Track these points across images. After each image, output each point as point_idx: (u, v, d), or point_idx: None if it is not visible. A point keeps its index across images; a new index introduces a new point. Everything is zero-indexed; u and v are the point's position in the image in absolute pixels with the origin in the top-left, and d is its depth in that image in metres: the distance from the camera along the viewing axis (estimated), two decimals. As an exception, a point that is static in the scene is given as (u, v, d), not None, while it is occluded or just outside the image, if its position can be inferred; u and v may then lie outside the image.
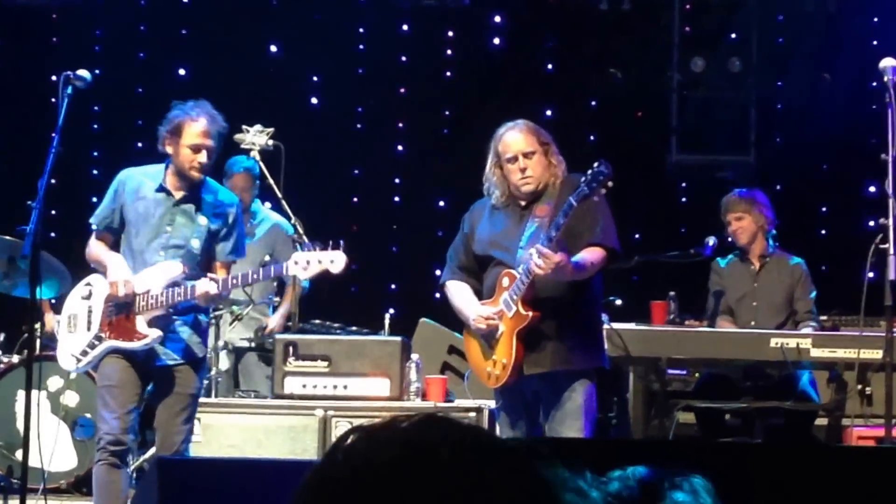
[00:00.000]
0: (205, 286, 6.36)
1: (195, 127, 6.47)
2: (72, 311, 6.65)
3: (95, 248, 6.62)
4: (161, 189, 6.56)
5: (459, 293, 6.42)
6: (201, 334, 6.69)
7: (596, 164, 5.99)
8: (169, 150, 6.51)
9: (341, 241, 6.55)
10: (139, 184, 6.59)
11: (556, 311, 6.14)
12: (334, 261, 6.51)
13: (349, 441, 1.43)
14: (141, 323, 6.45)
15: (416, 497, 1.36)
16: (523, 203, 6.30)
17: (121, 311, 6.49)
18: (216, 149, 6.57)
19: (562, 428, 6.13)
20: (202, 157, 6.47)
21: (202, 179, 6.56)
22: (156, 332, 6.44)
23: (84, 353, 6.54)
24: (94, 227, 6.65)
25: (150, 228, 6.52)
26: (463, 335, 6.59)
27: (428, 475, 1.37)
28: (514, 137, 6.25)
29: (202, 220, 6.55)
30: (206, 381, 7.92)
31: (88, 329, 6.56)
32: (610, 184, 5.97)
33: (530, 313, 6.10)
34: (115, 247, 6.61)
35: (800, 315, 8.35)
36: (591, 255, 6.12)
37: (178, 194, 6.56)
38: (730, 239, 8.56)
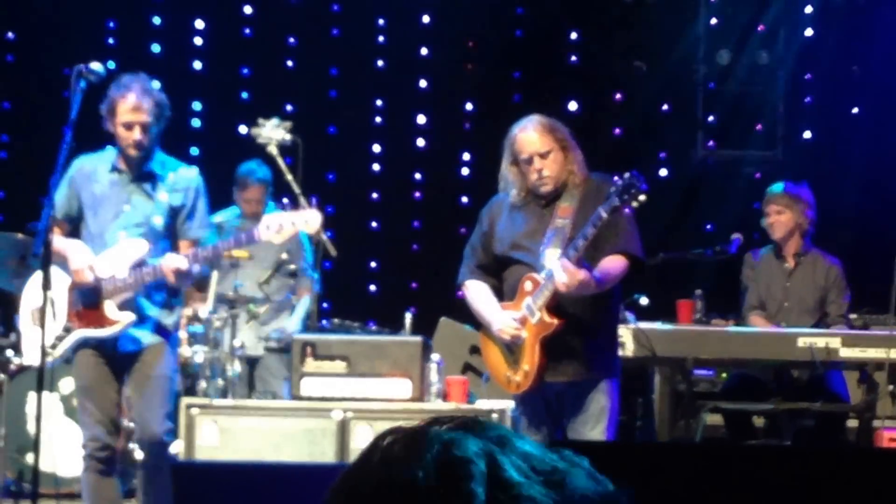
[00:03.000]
0: (174, 261, 6.20)
1: (125, 104, 6.30)
2: (33, 305, 6.38)
3: (54, 240, 6.30)
4: (115, 169, 6.39)
5: (479, 295, 6.30)
6: (172, 312, 6.53)
7: (628, 175, 5.85)
8: (110, 129, 6.36)
9: (313, 198, 6.42)
10: (93, 168, 6.42)
11: (580, 319, 6.06)
12: (308, 221, 6.35)
13: (386, 443, 1.41)
14: (111, 308, 6.27)
15: None
16: (544, 201, 6.18)
17: (87, 298, 6.32)
18: (155, 123, 6.35)
19: (584, 430, 6.08)
20: (136, 133, 6.30)
21: (155, 155, 6.39)
22: (129, 316, 6.27)
23: (53, 347, 6.31)
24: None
25: (107, 209, 6.35)
26: (480, 337, 6.49)
27: (462, 484, 1.34)
28: (528, 138, 6.10)
29: (162, 196, 6.37)
30: (222, 384, 7.81)
31: (54, 319, 6.27)
32: (642, 198, 5.84)
33: (555, 321, 6.00)
34: (71, 236, 6.41)
35: (831, 318, 8.22)
36: (612, 265, 6.01)
37: (134, 173, 6.39)
38: (764, 230, 8.39)
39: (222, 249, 6.50)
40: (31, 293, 6.45)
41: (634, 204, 5.83)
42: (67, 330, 6.32)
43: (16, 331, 8.39)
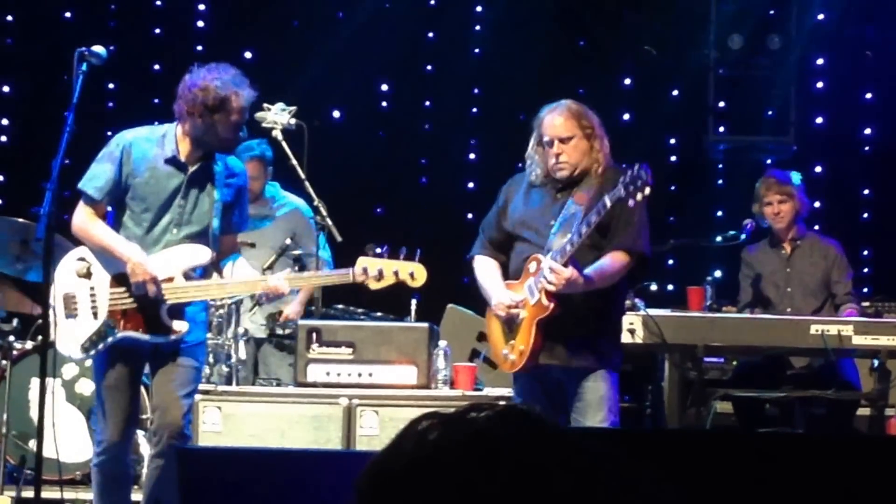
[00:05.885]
0: (279, 285, 6.07)
1: (241, 101, 5.99)
2: (68, 291, 6.08)
3: (98, 229, 6.06)
4: (172, 160, 6.08)
5: (486, 271, 6.34)
6: (207, 312, 6.45)
7: (637, 167, 5.85)
8: (199, 121, 5.98)
9: (419, 250, 6.21)
10: (145, 151, 6.07)
11: (579, 306, 6.05)
12: (414, 274, 6.19)
13: (420, 428, 1.41)
14: (164, 315, 6.00)
15: (477, 496, 1.34)
16: (560, 185, 6.19)
17: (140, 300, 6.02)
18: None
19: (584, 419, 6.11)
20: (244, 133, 6.10)
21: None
22: (184, 326, 6.02)
23: (93, 343, 6.05)
24: (89, 195, 6.07)
25: (161, 203, 6.05)
26: (487, 313, 6.48)
27: (495, 474, 1.34)
28: (552, 121, 6.13)
29: (216, 194, 6.09)
30: (226, 370, 7.75)
31: (95, 317, 6.05)
32: (647, 191, 5.83)
33: (551, 305, 6.01)
34: (104, 218, 6.12)
35: (839, 298, 8.23)
36: (609, 264, 6.04)
37: (192, 167, 6.09)
38: (766, 223, 8.34)
39: (318, 282, 6.42)
40: (65, 278, 6.08)
41: (639, 197, 5.82)
42: (110, 328, 6.02)
43: (18, 316, 8.37)
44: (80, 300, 6.08)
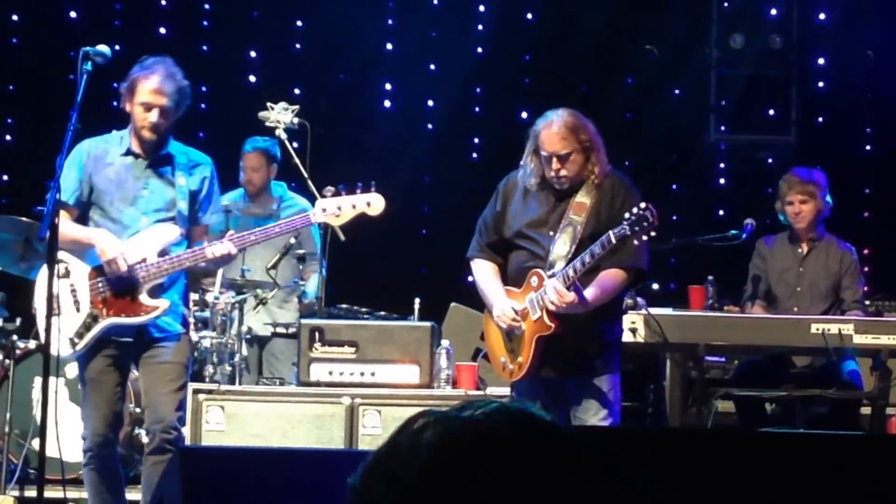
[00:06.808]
0: (224, 248, 6.14)
1: (147, 84, 6.22)
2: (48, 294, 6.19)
3: (65, 226, 6.11)
4: (129, 153, 6.30)
5: (486, 276, 6.32)
6: (187, 303, 6.54)
7: (643, 207, 5.83)
8: (127, 109, 6.29)
9: (373, 182, 6.34)
10: (103, 151, 6.32)
11: (580, 324, 6.07)
12: (371, 203, 6.31)
13: (416, 426, 1.40)
14: (144, 295, 6.16)
15: (473, 494, 1.33)
16: (559, 194, 6.19)
17: (118, 285, 6.19)
18: (174, 109, 6.27)
19: (586, 417, 6.12)
20: (153, 115, 6.20)
21: (168, 140, 6.32)
22: (164, 303, 6.18)
23: (80, 336, 6.19)
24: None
25: (124, 194, 6.25)
26: (484, 315, 6.49)
27: (488, 474, 1.34)
28: (550, 138, 6.09)
29: (181, 180, 6.30)
30: (229, 369, 7.76)
31: (78, 310, 6.19)
32: (653, 234, 5.83)
33: (553, 325, 6.04)
34: (79, 221, 6.29)
35: (847, 304, 8.16)
36: (609, 282, 6.06)
37: (150, 157, 6.30)
38: (781, 218, 8.31)
39: (274, 232, 6.44)
40: (43, 284, 6.17)
41: (644, 238, 5.83)
42: (94, 318, 6.18)
43: (21, 315, 8.37)
44: (61, 298, 6.15)
